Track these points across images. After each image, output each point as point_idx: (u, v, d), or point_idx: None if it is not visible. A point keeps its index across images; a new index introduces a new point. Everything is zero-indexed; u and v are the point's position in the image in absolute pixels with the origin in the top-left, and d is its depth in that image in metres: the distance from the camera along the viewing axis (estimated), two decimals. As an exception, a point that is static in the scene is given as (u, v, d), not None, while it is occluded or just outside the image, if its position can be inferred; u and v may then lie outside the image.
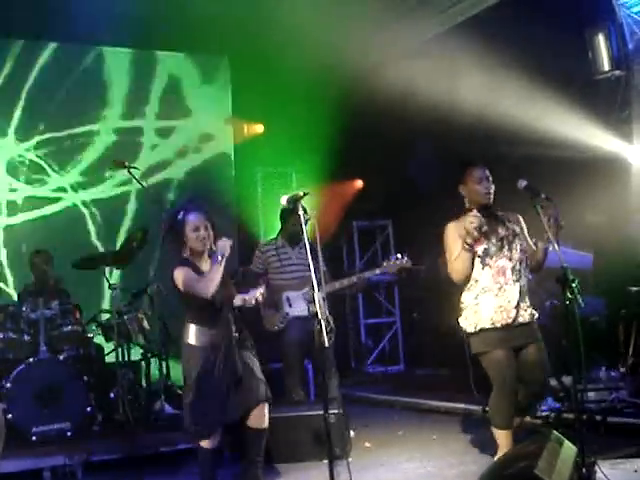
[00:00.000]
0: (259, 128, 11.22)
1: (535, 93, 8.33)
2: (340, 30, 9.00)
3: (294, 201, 4.41)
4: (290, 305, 6.67)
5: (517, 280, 5.06)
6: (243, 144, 10.88)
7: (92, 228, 9.66)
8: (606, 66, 8.22)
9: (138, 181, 6.55)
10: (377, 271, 6.59)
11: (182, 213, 4.96)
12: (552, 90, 8.29)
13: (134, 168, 6.59)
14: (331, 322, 4.21)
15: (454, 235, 5.10)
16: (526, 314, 5.08)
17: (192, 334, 4.88)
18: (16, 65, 9.36)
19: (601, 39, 8.22)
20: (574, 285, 4.43)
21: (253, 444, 4.96)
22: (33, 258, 7.67)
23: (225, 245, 4.75)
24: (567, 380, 6.38)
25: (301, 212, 4.42)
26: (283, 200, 4.43)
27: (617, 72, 8.26)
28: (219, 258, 4.69)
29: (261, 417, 4.96)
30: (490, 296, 5.03)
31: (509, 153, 8.28)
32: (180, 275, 4.79)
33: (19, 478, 5.82)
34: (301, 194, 4.41)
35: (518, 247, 5.08)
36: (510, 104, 8.45)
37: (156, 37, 9.42)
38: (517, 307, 5.03)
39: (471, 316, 5.10)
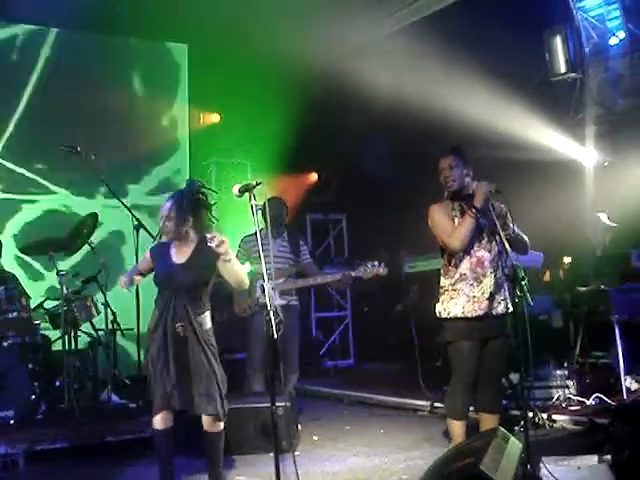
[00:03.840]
0: (215, 118, 11.17)
1: (491, 94, 8.38)
2: (298, 24, 8.99)
3: (245, 190, 4.37)
4: (262, 293, 6.57)
5: (494, 272, 5.04)
6: (199, 133, 10.79)
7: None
8: (562, 68, 8.33)
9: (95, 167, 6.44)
10: (352, 274, 6.48)
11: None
12: (508, 91, 8.36)
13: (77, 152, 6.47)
14: (280, 314, 4.16)
15: (440, 212, 5.09)
16: (499, 307, 5.04)
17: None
18: None
19: (558, 42, 8.32)
20: (524, 283, 4.44)
21: (211, 445, 4.95)
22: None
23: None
24: (514, 377, 6.44)
25: (253, 202, 4.38)
26: (235, 189, 4.39)
27: (573, 75, 8.38)
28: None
29: (212, 423, 4.92)
30: (466, 285, 5.02)
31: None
32: None
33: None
34: (253, 184, 4.37)
35: (498, 239, 5.00)
36: (466, 104, 8.49)
37: (115, 23, 9.27)
38: (490, 299, 5.00)
39: (446, 302, 5.08)
